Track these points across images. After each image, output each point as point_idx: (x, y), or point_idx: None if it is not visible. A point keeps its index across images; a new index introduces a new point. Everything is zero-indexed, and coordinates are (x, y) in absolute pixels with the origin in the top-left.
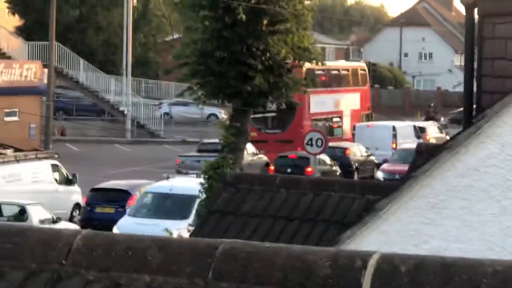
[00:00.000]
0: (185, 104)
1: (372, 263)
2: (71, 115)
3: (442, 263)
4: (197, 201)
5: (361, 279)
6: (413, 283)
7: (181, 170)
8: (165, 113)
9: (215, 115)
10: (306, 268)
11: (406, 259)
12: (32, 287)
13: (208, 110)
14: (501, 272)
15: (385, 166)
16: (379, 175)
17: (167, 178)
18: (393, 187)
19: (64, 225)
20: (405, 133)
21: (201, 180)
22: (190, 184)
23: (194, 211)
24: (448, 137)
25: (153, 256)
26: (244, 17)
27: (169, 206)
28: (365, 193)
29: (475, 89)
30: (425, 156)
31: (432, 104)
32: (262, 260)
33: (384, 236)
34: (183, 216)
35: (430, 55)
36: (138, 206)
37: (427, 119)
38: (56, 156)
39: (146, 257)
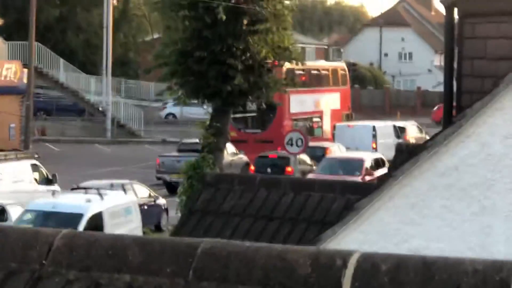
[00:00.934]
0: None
1: (352, 262)
2: (51, 115)
3: (422, 262)
4: (84, 219)
5: (342, 278)
6: (393, 282)
7: (161, 170)
8: (169, 114)
9: None
10: (287, 267)
11: (386, 258)
12: (12, 286)
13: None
14: (481, 271)
15: (309, 176)
16: None
17: (53, 194)
18: (374, 186)
19: None
20: (385, 133)
21: (88, 196)
22: (76, 201)
23: (81, 229)
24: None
25: (133, 255)
26: (224, 16)
27: (53, 225)
28: (346, 192)
29: (455, 89)
30: (405, 156)
31: None
32: (243, 259)
33: (364, 236)
34: None
35: (410, 55)
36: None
37: None
38: (36, 156)
39: (126, 256)
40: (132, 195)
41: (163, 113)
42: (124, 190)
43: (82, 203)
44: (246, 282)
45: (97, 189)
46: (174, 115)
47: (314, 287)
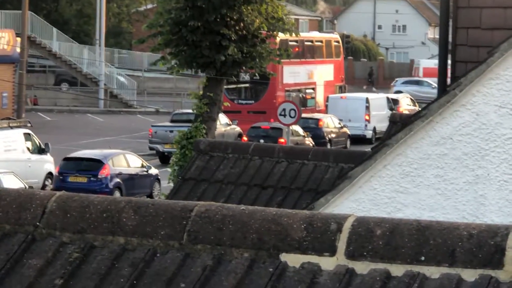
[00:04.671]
0: None
1: (347, 226)
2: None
3: (417, 226)
4: None
5: (336, 242)
6: (388, 246)
7: (154, 140)
8: None
9: None
10: (281, 230)
11: (381, 222)
12: (6, 248)
13: None
14: (476, 236)
15: None
16: None
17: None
18: (367, 155)
19: None
20: (378, 105)
21: None
22: None
23: None
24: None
25: (128, 218)
26: None
27: None
28: (339, 161)
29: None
30: (398, 126)
31: None
32: (237, 222)
33: (357, 204)
34: None
35: (404, 27)
36: None
37: None
38: (29, 125)
39: (121, 219)
40: None
41: None
42: None
43: None
44: (241, 245)
45: None
46: None
47: (308, 251)
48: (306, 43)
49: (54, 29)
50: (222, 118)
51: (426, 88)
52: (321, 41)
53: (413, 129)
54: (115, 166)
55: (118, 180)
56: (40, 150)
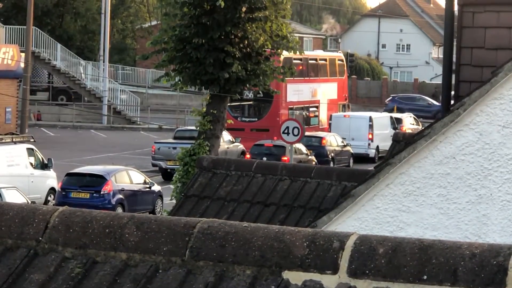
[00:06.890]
0: None
1: (349, 244)
2: None
3: (419, 245)
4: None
5: (338, 260)
6: (390, 265)
7: (156, 157)
8: None
9: None
10: (284, 248)
11: (383, 240)
12: (8, 263)
13: None
14: (478, 255)
15: None
16: None
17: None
18: (370, 173)
19: None
20: (381, 124)
21: None
22: None
23: None
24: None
25: (130, 234)
26: (223, 3)
27: None
28: (342, 179)
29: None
30: (401, 145)
31: None
32: (240, 239)
33: (360, 223)
34: None
35: (408, 46)
36: None
37: None
38: (32, 140)
39: (123, 234)
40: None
41: None
42: None
43: None
44: (243, 262)
45: None
46: None
47: (310, 269)
48: (310, 61)
49: (59, 45)
50: (225, 136)
51: None
52: (325, 60)
53: (416, 148)
54: (117, 182)
55: (120, 196)
56: (43, 166)
